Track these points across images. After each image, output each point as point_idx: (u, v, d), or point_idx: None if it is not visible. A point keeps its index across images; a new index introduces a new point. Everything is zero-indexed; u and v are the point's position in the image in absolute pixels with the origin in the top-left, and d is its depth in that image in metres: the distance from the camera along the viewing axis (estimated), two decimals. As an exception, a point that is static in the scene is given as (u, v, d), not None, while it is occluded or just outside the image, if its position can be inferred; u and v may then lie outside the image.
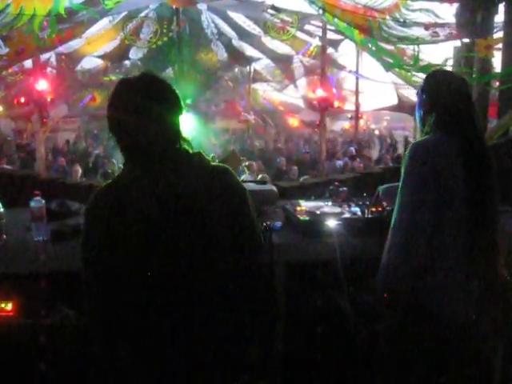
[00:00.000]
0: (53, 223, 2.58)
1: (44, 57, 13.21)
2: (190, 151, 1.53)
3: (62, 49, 13.46)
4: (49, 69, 14.03)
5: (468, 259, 1.89)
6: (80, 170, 8.64)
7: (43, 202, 2.48)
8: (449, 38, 4.25)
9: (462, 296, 1.89)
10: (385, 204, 2.60)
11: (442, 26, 4.25)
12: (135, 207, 1.41)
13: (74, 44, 13.71)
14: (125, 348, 1.52)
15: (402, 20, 4.35)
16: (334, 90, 15.57)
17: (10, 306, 2.33)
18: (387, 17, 4.34)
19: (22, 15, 3.57)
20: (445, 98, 1.96)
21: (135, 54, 16.01)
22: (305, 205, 2.63)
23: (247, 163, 6.16)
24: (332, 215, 2.40)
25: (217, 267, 1.50)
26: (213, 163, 1.58)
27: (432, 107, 1.98)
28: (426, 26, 4.25)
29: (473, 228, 1.88)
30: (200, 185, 1.47)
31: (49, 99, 10.35)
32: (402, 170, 1.93)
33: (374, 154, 12.97)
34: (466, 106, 1.97)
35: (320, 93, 10.12)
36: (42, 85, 9.89)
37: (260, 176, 5.89)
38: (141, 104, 1.45)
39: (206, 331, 1.49)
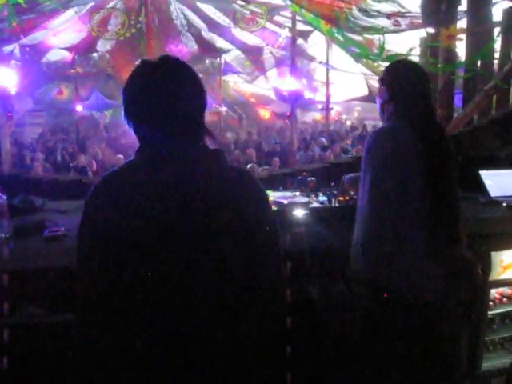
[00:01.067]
0: (15, 219, 2.52)
1: (7, 49, 12.82)
2: (210, 148, 1.35)
3: (26, 41, 13.09)
4: (13, 61, 13.61)
5: (430, 243, 1.93)
6: (40, 166, 8.44)
7: (4, 197, 2.42)
8: (410, 27, 4.32)
9: (427, 279, 1.93)
10: (352, 193, 2.63)
11: (403, 15, 4.30)
12: (141, 205, 1.23)
13: (39, 36, 13.35)
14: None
15: (367, 10, 4.39)
16: (305, 81, 15.61)
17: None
18: (353, 7, 4.36)
19: (-21, 5, 3.45)
20: (402, 88, 2.02)
21: (103, 45, 15.68)
22: (272, 195, 2.63)
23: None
24: (299, 205, 2.41)
25: (223, 284, 1.26)
26: (232, 164, 1.42)
27: (391, 97, 2.04)
28: (388, 15, 4.30)
29: (433, 212, 1.93)
30: (217, 189, 1.27)
31: (13, 93, 10.04)
32: (363, 158, 1.97)
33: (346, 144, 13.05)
34: (423, 95, 2.03)
35: (290, 84, 10.11)
36: (6, 78, 9.59)
37: (249, 165, 5.90)
38: (166, 90, 1.29)
39: (201, 349, 1.26)
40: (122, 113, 1.35)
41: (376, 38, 4.67)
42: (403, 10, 4.40)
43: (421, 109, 2.02)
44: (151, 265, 1.23)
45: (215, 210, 1.25)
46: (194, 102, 1.33)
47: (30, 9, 4.17)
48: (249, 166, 5.97)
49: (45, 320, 2.29)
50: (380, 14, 4.25)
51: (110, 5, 14.09)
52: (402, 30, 4.29)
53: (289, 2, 4.89)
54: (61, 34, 14.08)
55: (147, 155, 1.30)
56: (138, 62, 1.38)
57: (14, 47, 13.21)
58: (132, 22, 13.69)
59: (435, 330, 1.99)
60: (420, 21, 4.43)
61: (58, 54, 15.37)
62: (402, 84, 2.03)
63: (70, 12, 12.90)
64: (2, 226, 2.39)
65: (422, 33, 5.11)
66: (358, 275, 2.09)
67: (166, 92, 1.29)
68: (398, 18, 4.16)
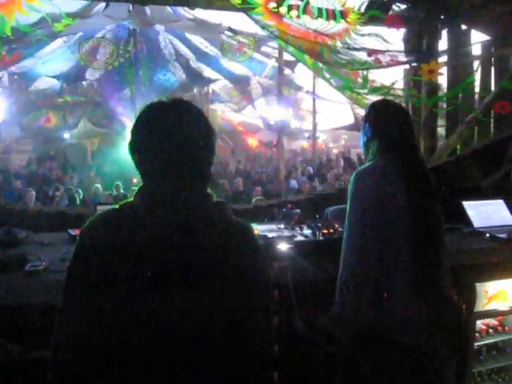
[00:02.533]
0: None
1: (-5, 77, 12.88)
2: (214, 199, 1.31)
3: (14, 68, 13.14)
4: (0, 89, 13.64)
5: (415, 282, 1.93)
6: (34, 195, 8.37)
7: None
8: (390, 64, 4.44)
9: (411, 320, 1.92)
10: (336, 226, 2.64)
11: (383, 52, 4.42)
12: (135, 250, 1.19)
13: (28, 64, 13.41)
14: None
15: (351, 45, 4.49)
16: (291, 110, 15.82)
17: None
18: (337, 42, 4.47)
19: (-35, 38, 3.48)
20: (384, 126, 2.07)
21: (92, 74, 15.79)
22: (257, 228, 2.63)
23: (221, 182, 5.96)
24: (284, 239, 2.41)
25: (210, 335, 1.22)
26: (234, 218, 1.34)
27: (374, 135, 2.08)
28: (369, 53, 4.42)
29: (417, 251, 1.94)
30: (215, 241, 1.23)
31: (0, 120, 10.04)
32: (348, 196, 1.99)
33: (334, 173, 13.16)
34: (404, 133, 2.08)
35: (277, 113, 10.25)
36: (-7, 106, 9.61)
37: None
38: (174, 130, 1.25)
39: None
40: (128, 150, 1.31)
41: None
42: (384, 48, 4.53)
43: (403, 146, 2.06)
44: (137, 311, 1.19)
45: (210, 263, 1.21)
46: (200, 147, 1.29)
47: (17, 40, 4.22)
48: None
49: (19, 356, 2.24)
50: (363, 49, 4.37)
51: (99, 35, 14.25)
52: (384, 67, 4.40)
53: (274, 37, 5.00)
54: (49, 63, 14.16)
55: (148, 200, 1.26)
56: (150, 103, 1.34)
57: (2, 74, 13.26)
58: (121, 52, 13.83)
59: (420, 370, 1.98)
60: (400, 58, 4.56)
61: (46, 82, 15.44)
62: (385, 121, 2.08)
63: (59, 41, 13.00)
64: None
65: (405, 66, 5.25)
66: (343, 312, 2.08)
67: (172, 134, 1.26)
68: (379, 55, 4.28)
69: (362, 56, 4.51)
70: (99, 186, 9.77)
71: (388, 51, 4.28)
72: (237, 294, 1.23)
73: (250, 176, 11.70)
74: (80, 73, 15.53)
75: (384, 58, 4.31)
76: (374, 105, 2.24)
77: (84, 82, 16.70)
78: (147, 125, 1.29)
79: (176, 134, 1.25)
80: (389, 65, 4.33)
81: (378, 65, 4.32)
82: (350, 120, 17.88)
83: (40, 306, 2.09)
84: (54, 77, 15.35)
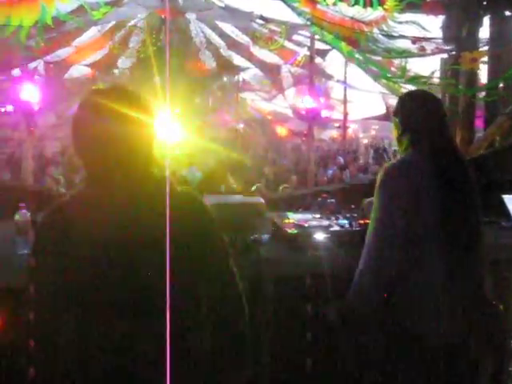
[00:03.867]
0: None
1: (31, 65, 13.12)
2: (157, 174, 1.43)
3: (49, 57, 13.39)
4: (36, 77, 13.92)
5: (446, 275, 1.89)
6: (62, 180, 8.54)
7: (28, 214, 2.44)
8: (435, 52, 4.32)
9: (445, 318, 1.88)
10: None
11: (429, 40, 4.31)
12: (89, 230, 1.30)
13: (63, 53, 13.64)
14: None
15: (389, 32, 4.40)
16: (322, 100, 15.65)
17: (-5, 321, 2.28)
18: (374, 29, 4.39)
19: (9, 26, 3.56)
20: (416, 120, 2.01)
21: (124, 62, 15.97)
22: (293, 217, 2.63)
23: (256, 186, 5.89)
24: (320, 228, 2.40)
25: (184, 297, 1.37)
26: (180, 188, 1.47)
27: (405, 128, 2.03)
28: (413, 40, 4.31)
29: (450, 246, 1.89)
30: (166, 211, 1.30)
31: (36, 108, 10.24)
32: (376, 188, 1.95)
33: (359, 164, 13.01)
34: (437, 125, 2.01)
35: (308, 102, 10.16)
36: (30, 93, 9.80)
37: (255, 186, 5.79)
38: (112, 117, 1.34)
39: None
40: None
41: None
42: (427, 34, 4.41)
43: (436, 139, 2.00)
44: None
45: (161, 235, 1.27)
46: (137, 131, 1.37)
47: (55, 28, 4.29)
48: (254, 187, 5.81)
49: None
50: (403, 37, 4.28)
51: (131, 23, 14.37)
52: (427, 55, 4.29)
53: (309, 23, 4.93)
54: (83, 51, 14.38)
55: (91, 186, 1.40)
56: (89, 91, 1.47)
57: (38, 63, 13.52)
58: (153, 40, 13.93)
59: (454, 369, 1.95)
60: (445, 46, 4.44)
61: (80, 71, 15.69)
62: (415, 115, 2.03)
63: (93, 29, 13.18)
64: (24, 243, 2.41)
65: (443, 54, 5.11)
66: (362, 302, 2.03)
67: (108, 121, 1.34)
68: (424, 43, 4.17)
69: (402, 44, 4.41)
70: None
71: (433, 38, 4.16)
72: (196, 250, 1.38)
73: (277, 164, 11.67)
74: (112, 61, 15.73)
75: (429, 46, 4.21)
76: (403, 97, 2.19)
77: (116, 70, 16.90)
78: (84, 115, 1.40)
79: (112, 121, 1.33)
80: (433, 53, 4.22)
81: (420, 53, 4.21)
82: (382, 110, 17.62)
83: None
84: (87, 65, 15.59)
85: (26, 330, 1.46)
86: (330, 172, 9.99)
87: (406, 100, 2.13)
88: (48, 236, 1.38)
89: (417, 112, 2.03)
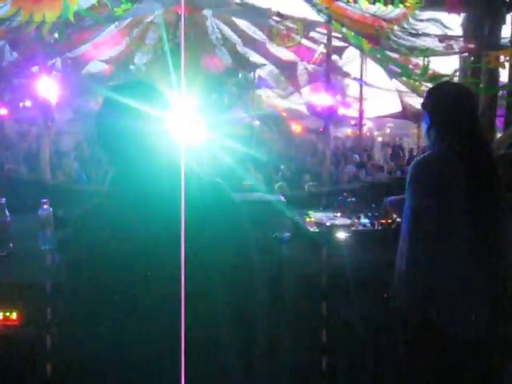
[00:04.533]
0: (59, 231, 2.57)
1: (50, 61, 13.24)
2: (183, 165, 1.47)
3: (68, 53, 13.50)
4: (54, 72, 14.04)
5: (476, 273, 1.87)
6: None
7: (51, 210, 2.47)
8: (462, 51, 4.25)
9: (471, 314, 1.87)
10: (394, 216, 2.59)
11: (456, 39, 4.25)
12: (124, 227, 1.35)
13: (80, 48, 13.74)
14: None
15: (410, 30, 4.36)
16: (339, 97, 15.55)
17: (14, 316, 2.31)
18: (395, 27, 4.34)
19: (32, 22, 3.60)
20: (444, 113, 1.98)
21: (140, 58, 16.04)
22: (314, 216, 2.61)
23: (279, 184, 5.94)
24: (342, 227, 2.39)
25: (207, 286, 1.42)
26: (205, 177, 1.53)
27: (433, 122, 2.00)
28: (441, 39, 4.25)
29: (479, 241, 1.87)
30: (194, 200, 1.39)
31: (54, 103, 10.33)
32: (407, 184, 1.94)
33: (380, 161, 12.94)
34: (466, 120, 1.98)
35: (324, 100, 10.10)
36: (48, 89, 9.90)
37: (278, 184, 5.80)
38: (137, 112, 1.39)
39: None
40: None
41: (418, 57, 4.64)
42: (448, 32, 4.35)
43: (465, 133, 1.97)
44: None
45: (193, 216, 1.35)
46: (157, 123, 1.43)
47: (77, 24, 4.32)
48: (277, 184, 5.85)
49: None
50: (427, 35, 4.22)
51: (149, 19, 14.41)
52: (453, 54, 4.23)
53: (330, 20, 4.90)
54: (100, 47, 14.46)
55: (119, 183, 1.46)
56: (108, 87, 1.54)
57: (56, 59, 13.65)
58: (170, 37, 13.97)
59: (480, 367, 1.93)
60: (472, 45, 4.37)
61: (97, 66, 15.79)
62: (443, 108, 1.99)
63: (110, 26, 13.25)
64: (46, 238, 2.44)
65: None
66: (400, 302, 2.05)
67: (130, 116, 1.39)
68: (452, 42, 4.11)
69: (425, 42, 4.36)
70: None
71: (459, 37, 4.11)
72: (224, 238, 1.43)
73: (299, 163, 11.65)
74: (129, 57, 15.80)
75: (456, 45, 4.15)
76: (432, 90, 2.15)
77: (132, 66, 16.98)
78: (106, 112, 1.43)
79: (133, 115, 1.38)
80: (460, 51, 4.17)
81: (446, 51, 4.16)
82: (397, 108, 17.45)
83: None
84: (104, 61, 15.68)
85: (56, 323, 1.46)
86: (347, 170, 9.93)
87: (434, 93, 2.09)
88: (85, 234, 1.42)
89: (444, 105, 1.99)
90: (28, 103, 11.89)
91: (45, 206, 2.45)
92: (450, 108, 1.98)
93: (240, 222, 1.53)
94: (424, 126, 2.11)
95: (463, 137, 1.94)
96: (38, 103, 10.25)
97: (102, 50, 14.71)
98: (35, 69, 9.77)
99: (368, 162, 10.86)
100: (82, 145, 15.33)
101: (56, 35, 4.22)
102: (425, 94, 2.14)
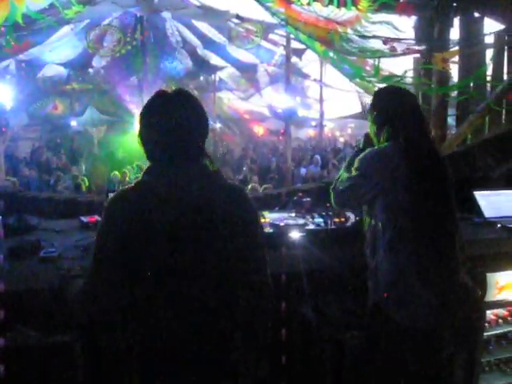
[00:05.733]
0: (10, 239, 2.50)
1: (3, 64, 12.83)
2: (210, 167, 1.60)
3: (22, 56, 13.12)
4: (8, 76, 13.62)
5: (426, 269, 1.93)
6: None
7: (0, 218, 2.40)
8: (405, 52, 4.39)
9: (422, 307, 1.93)
10: (347, 214, 2.64)
11: (399, 40, 4.38)
12: (153, 214, 1.47)
13: (35, 51, 13.38)
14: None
15: (362, 32, 4.45)
16: (298, 99, 15.74)
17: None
18: (348, 30, 4.43)
19: (-25, 26, 3.48)
20: (392, 114, 2.05)
21: (98, 61, 15.73)
22: (268, 216, 2.64)
23: (251, 185, 6.09)
24: (296, 227, 2.42)
25: (223, 278, 1.53)
26: (230, 182, 1.67)
27: (384, 122, 2.07)
28: (385, 41, 4.37)
29: (429, 238, 1.94)
30: (216, 200, 1.52)
31: (8, 108, 10.03)
32: (353, 169, 2.02)
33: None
34: (412, 119, 2.06)
35: (284, 101, 10.21)
36: (1, 93, 9.61)
37: (249, 186, 5.89)
38: (175, 118, 1.54)
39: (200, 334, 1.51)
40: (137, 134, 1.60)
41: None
42: (399, 34, 4.48)
43: (411, 133, 2.04)
44: (159, 263, 1.48)
45: (211, 221, 1.50)
46: (197, 131, 1.59)
47: (27, 27, 4.21)
48: (250, 186, 5.97)
49: (37, 342, 2.27)
50: (376, 37, 4.33)
51: (106, 22, 14.17)
52: (399, 55, 4.36)
53: (284, 23, 4.96)
54: (56, 50, 14.11)
55: (155, 175, 1.55)
56: (156, 94, 1.62)
57: (9, 62, 13.25)
58: (128, 39, 13.77)
59: (431, 356, 1.99)
60: (415, 47, 4.51)
61: (53, 70, 15.41)
62: (390, 110, 2.07)
63: (66, 28, 12.95)
64: (-3, 246, 2.36)
65: (416, 54, 5.19)
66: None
67: (173, 122, 1.54)
68: (395, 44, 4.23)
69: (375, 44, 4.47)
70: (117, 173, 9.66)
71: (404, 39, 4.23)
72: (239, 238, 1.54)
73: (256, 163, 11.69)
74: (87, 60, 15.48)
75: (400, 47, 4.28)
76: (380, 92, 2.24)
77: (91, 70, 16.66)
78: (153, 114, 1.57)
79: (177, 122, 1.53)
80: (404, 53, 4.29)
81: (392, 53, 4.28)
82: (357, 108, 17.78)
83: (55, 292, 2.11)
84: (61, 64, 15.31)
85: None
86: (304, 170, 10.05)
87: (381, 95, 2.17)
88: (114, 218, 1.51)
89: (392, 106, 2.07)
90: (-20, 108, 11.47)
91: (-6, 214, 2.38)
92: (398, 109, 2.06)
93: (254, 224, 1.62)
94: (372, 128, 2.18)
95: (410, 136, 2.02)
96: (-10, 108, 9.92)
97: (58, 53, 14.36)
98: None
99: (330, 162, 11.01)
100: (39, 150, 14.94)
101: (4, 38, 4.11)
102: (372, 97, 2.22)
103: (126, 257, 1.49)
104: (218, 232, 1.51)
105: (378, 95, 2.19)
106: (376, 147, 2.10)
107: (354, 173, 2.06)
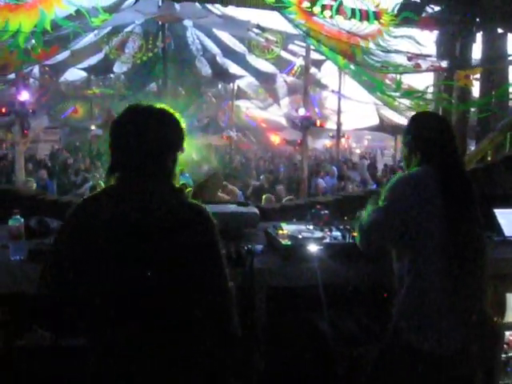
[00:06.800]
0: (31, 242, 2.53)
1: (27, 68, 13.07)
2: (174, 186, 1.57)
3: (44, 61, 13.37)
4: (31, 80, 13.88)
5: (451, 295, 1.91)
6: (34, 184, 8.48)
7: (22, 220, 2.43)
8: (430, 69, 4.38)
9: (443, 332, 1.90)
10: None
11: (424, 57, 4.37)
12: (107, 228, 1.44)
13: (58, 56, 13.64)
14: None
15: (384, 47, 4.46)
16: (317, 109, 15.74)
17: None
18: (370, 44, 4.44)
19: (7, 31, 3.56)
20: (430, 138, 2.07)
21: (119, 67, 15.99)
22: (286, 228, 2.63)
23: (265, 195, 6.01)
24: (314, 240, 2.41)
25: (178, 300, 1.48)
26: (191, 201, 1.58)
27: (416, 147, 2.08)
28: (409, 58, 4.37)
29: (452, 261, 1.92)
30: (172, 219, 1.47)
31: (30, 110, 10.22)
32: (382, 197, 1.99)
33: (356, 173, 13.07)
34: (447, 145, 2.07)
35: (302, 112, 10.22)
36: (24, 96, 9.79)
37: (264, 196, 5.88)
38: (138, 134, 1.51)
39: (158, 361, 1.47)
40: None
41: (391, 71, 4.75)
42: (422, 49, 4.48)
43: (447, 157, 2.06)
44: (106, 280, 1.44)
45: (165, 236, 1.45)
46: (161, 148, 1.55)
47: (53, 33, 4.30)
48: (264, 196, 5.96)
49: (54, 344, 2.30)
50: (399, 52, 4.33)
51: (129, 29, 14.40)
52: (422, 72, 4.36)
53: (306, 36, 4.98)
54: (79, 55, 14.36)
55: (118, 188, 1.53)
56: (128, 106, 1.61)
57: (33, 66, 13.50)
58: (149, 46, 13.96)
59: (450, 380, 1.97)
60: (440, 63, 4.50)
61: (75, 74, 15.71)
62: (428, 134, 2.08)
63: (89, 34, 13.19)
64: (18, 249, 2.40)
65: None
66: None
67: (136, 137, 1.51)
68: (419, 61, 4.23)
69: (398, 59, 4.47)
70: None
71: (429, 56, 4.22)
72: (191, 261, 1.47)
73: (274, 173, 11.70)
74: (108, 66, 15.74)
75: (424, 64, 4.27)
76: (417, 117, 2.26)
77: (111, 75, 16.92)
78: (122, 127, 1.56)
79: (143, 136, 1.52)
80: (428, 70, 4.28)
81: (416, 69, 4.27)
82: (375, 121, 17.76)
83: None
84: (82, 69, 15.59)
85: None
86: (321, 181, 10.03)
87: (418, 120, 2.20)
88: (69, 231, 1.51)
89: (429, 132, 2.09)
90: (3, 109, 11.70)
91: (16, 216, 2.41)
92: (435, 135, 2.08)
93: (213, 246, 1.54)
94: (404, 150, 2.19)
95: (446, 159, 2.03)
96: (14, 110, 10.11)
97: (80, 58, 14.62)
98: (12, 75, 9.65)
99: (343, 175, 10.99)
100: (56, 153, 15.16)
101: (33, 42, 4.19)
102: (409, 120, 2.24)
103: (71, 271, 1.47)
104: (170, 252, 1.45)
105: (415, 120, 2.21)
106: (406, 172, 2.10)
107: (380, 204, 2.01)
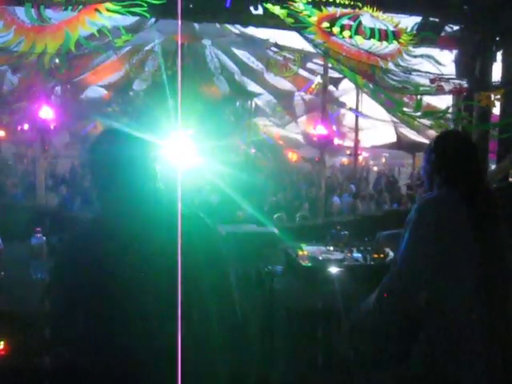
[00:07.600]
0: (52, 259, 2.56)
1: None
2: (162, 199, 1.58)
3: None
4: (53, 97, 14.16)
5: (484, 325, 1.87)
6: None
7: (44, 238, 2.47)
8: (453, 92, 4.36)
9: (479, 363, 1.85)
10: (386, 250, 2.60)
11: (447, 80, 4.35)
12: (98, 255, 1.47)
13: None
14: None
15: (404, 67, 4.45)
16: (334, 128, 15.71)
17: (1, 345, 2.28)
18: (389, 63, 4.44)
19: (33, 53, 3.66)
20: (452, 159, 2.04)
21: (139, 85, 16.23)
22: (306, 249, 2.62)
23: (277, 215, 5.95)
24: (334, 261, 2.39)
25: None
26: (187, 210, 1.59)
27: (441, 167, 2.05)
28: (432, 80, 4.35)
29: (486, 287, 1.88)
30: (169, 234, 1.47)
31: (52, 127, 10.39)
32: (409, 223, 1.95)
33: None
34: (472, 165, 2.04)
35: (320, 130, 10.22)
36: (46, 113, 9.96)
37: (276, 216, 5.81)
38: (112, 156, 1.56)
39: None
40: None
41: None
42: (440, 69, 4.46)
43: (471, 178, 2.03)
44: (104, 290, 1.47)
45: (169, 245, 1.44)
46: (141, 164, 1.58)
47: (77, 52, 4.40)
48: (275, 215, 5.90)
49: (72, 363, 2.29)
50: (419, 71, 4.32)
51: (148, 47, 14.64)
52: (443, 94, 4.34)
53: (326, 55, 5.02)
54: (99, 73, 14.62)
55: (106, 210, 1.57)
56: (104, 129, 1.69)
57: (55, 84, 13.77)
58: (169, 65, 14.17)
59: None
60: (462, 85, 4.48)
61: (95, 92, 15.97)
62: (453, 154, 2.06)
63: (109, 52, 13.44)
64: (38, 267, 2.43)
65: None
66: None
67: (109, 159, 1.57)
68: (442, 83, 4.22)
69: (418, 79, 4.46)
70: None
71: (451, 78, 4.21)
72: (195, 265, 1.48)
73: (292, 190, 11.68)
74: (128, 83, 15.98)
75: (447, 86, 4.26)
76: (443, 136, 2.25)
77: (131, 93, 17.17)
78: (93, 150, 1.62)
79: (118, 155, 1.55)
80: (451, 92, 4.26)
81: (438, 91, 4.26)
82: (393, 138, 17.64)
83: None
84: (103, 86, 15.85)
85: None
86: (337, 199, 9.97)
87: (443, 140, 2.18)
88: (65, 261, 1.57)
89: (454, 153, 2.07)
90: (26, 126, 11.94)
91: (38, 235, 2.45)
92: (460, 155, 2.06)
93: (219, 251, 1.60)
94: (427, 169, 2.15)
95: (470, 182, 2.01)
96: (36, 127, 10.29)
97: (100, 76, 14.88)
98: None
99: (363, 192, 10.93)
100: (76, 169, 15.35)
101: (57, 61, 4.29)
102: (434, 139, 2.22)
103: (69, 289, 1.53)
104: (181, 264, 1.45)
105: (442, 139, 2.19)
106: (430, 193, 2.07)
107: (406, 236, 1.96)
